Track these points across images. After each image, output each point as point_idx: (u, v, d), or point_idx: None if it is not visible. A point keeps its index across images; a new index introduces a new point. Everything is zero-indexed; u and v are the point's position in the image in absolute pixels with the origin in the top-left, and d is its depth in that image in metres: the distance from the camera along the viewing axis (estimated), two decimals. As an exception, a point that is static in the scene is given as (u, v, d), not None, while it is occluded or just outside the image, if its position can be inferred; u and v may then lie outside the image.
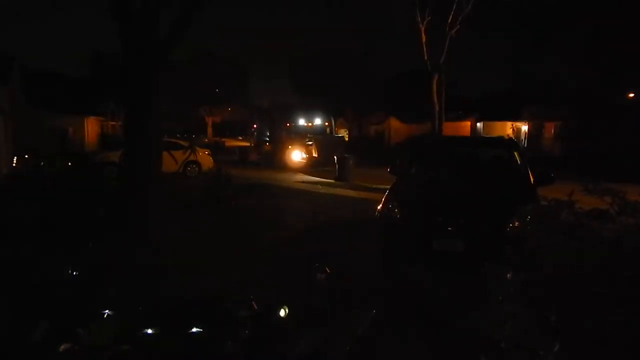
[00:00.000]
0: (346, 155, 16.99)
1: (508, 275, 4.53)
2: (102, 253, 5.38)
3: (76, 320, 2.98)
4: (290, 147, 23.77)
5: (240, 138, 60.26)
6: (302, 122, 37.64)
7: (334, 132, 38.61)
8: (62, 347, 2.55)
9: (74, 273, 3.72)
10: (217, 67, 47.83)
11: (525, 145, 29.84)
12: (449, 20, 19.96)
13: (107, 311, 3.08)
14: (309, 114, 37.73)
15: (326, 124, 39.76)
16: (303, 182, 15.69)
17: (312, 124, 40.72)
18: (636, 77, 21.44)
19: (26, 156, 15.05)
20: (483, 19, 20.57)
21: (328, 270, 4.43)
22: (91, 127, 31.99)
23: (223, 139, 52.72)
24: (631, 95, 23.19)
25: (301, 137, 28.35)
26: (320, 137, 27.35)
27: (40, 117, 25.28)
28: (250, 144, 45.36)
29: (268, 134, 29.65)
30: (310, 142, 25.50)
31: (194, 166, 16.32)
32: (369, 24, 24.55)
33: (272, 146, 27.81)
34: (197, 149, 16.53)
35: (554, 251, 4.80)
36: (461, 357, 3.36)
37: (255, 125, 58.72)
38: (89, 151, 26.01)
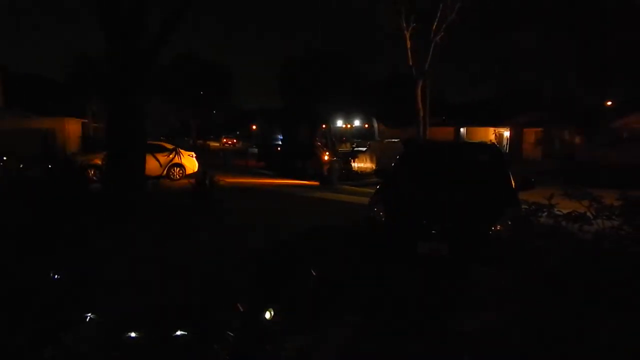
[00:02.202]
0: (333, 158, 16.87)
1: (491, 277, 4.64)
2: (85, 257, 5.30)
3: (59, 325, 2.95)
4: (327, 153, 18.98)
5: (226, 142, 58.77)
6: (339, 123, 32.15)
7: (376, 135, 34.46)
8: (45, 352, 2.52)
9: (57, 277, 3.67)
10: (202, 69, 47.56)
11: (507, 150, 30.39)
12: (434, 27, 20.27)
13: (90, 315, 3.04)
14: (346, 114, 32.82)
15: (366, 125, 36.84)
16: (287, 185, 15.66)
17: (352, 126, 36.81)
18: (615, 85, 22.07)
19: (4, 158, 14.70)
20: (467, 26, 20.94)
21: (314, 273, 4.46)
22: (73, 129, 31.38)
23: (208, 142, 52.32)
24: (609, 103, 23.85)
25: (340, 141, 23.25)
26: (378, 143, 22.89)
27: (20, 118, 24.76)
28: (223, 144, 42.25)
29: (281, 137, 24.16)
30: (360, 148, 21.35)
31: (179, 169, 16.17)
32: (355, 29, 24.36)
33: (285, 152, 22.08)
34: (182, 151, 16.37)
35: (535, 253, 4.92)
36: (446, 358, 3.41)
37: (254, 127, 56.97)
38: (70, 153, 25.53)
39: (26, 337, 2.62)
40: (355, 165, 20.10)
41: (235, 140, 59.45)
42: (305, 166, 18.97)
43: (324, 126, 20.47)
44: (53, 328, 2.73)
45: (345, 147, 21.34)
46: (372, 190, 6.88)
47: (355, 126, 35.39)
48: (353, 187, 15.21)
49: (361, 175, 18.00)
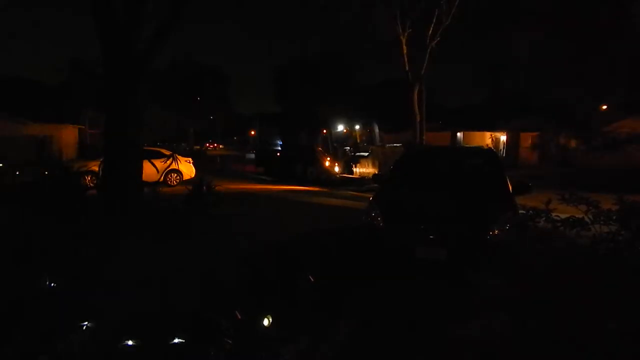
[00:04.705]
0: (334, 163, 16.92)
1: (490, 281, 4.63)
2: (81, 263, 5.27)
3: (54, 332, 2.92)
4: (329, 158, 19.20)
5: (209, 146, 61.34)
6: (340, 128, 31.58)
7: (377, 140, 33.09)
8: (40, 360, 2.49)
9: (52, 284, 3.63)
10: (199, 75, 47.63)
11: (504, 154, 30.47)
12: (430, 32, 20.36)
13: (85, 323, 3.01)
14: (347, 119, 32.19)
15: (367, 130, 36.59)
16: (287, 191, 15.65)
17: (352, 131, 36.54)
18: (610, 89, 22.22)
19: (0, 165, 14.65)
20: (463, 32, 21.04)
21: (312, 279, 4.44)
22: (69, 136, 31.36)
23: (205, 147, 52.80)
24: (604, 107, 24.01)
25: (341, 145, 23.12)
26: (380, 148, 22.92)
27: (16, 125, 24.70)
28: (205, 148, 43.02)
29: (280, 142, 23.65)
30: (363, 153, 21.50)
31: (175, 175, 16.14)
32: (352, 34, 24.23)
33: (284, 157, 21.73)
34: (179, 157, 16.35)
35: (532, 258, 4.92)
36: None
37: (253, 132, 58.02)
38: (66, 160, 25.43)
39: (20, 346, 2.58)
40: (357, 170, 20.09)
41: (216, 145, 67.48)
42: (305, 171, 18.98)
43: (324, 131, 20.37)
44: (48, 336, 2.70)
45: (347, 152, 21.25)
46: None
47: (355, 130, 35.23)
48: (354, 192, 15.21)
49: (363, 180, 18.02)
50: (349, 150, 22.11)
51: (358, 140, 23.14)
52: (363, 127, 34.48)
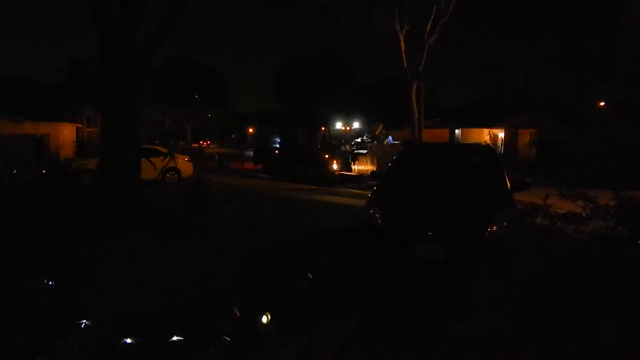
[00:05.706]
0: (333, 161, 16.94)
1: (488, 279, 4.63)
2: (81, 263, 5.27)
3: (53, 331, 2.92)
4: (328, 156, 19.02)
5: (202, 144, 61.76)
6: (339, 125, 31.49)
7: (379, 136, 34.09)
8: None
9: (51, 282, 3.63)
10: (198, 73, 47.53)
11: (502, 151, 30.52)
12: (428, 30, 20.34)
13: (84, 321, 3.01)
14: (346, 116, 32.29)
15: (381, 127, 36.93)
16: (286, 188, 15.65)
17: (351, 128, 36.54)
18: (607, 86, 22.23)
19: (-4, 164, 14.58)
20: (461, 29, 21.03)
21: (310, 277, 4.45)
22: (67, 134, 31.27)
23: (203, 145, 52.98)
24: (602, 103, 24.03)
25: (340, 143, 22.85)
26: (379, 145, 22.88)
27: (13, 124, 24.65)
28: (199, 146, 43.57)
29: (279, 140, 23.54)
30: (362, 151, 21.56)
31: (174, 173, 16.09)
32: (349, 32, 24.15)
33: (283, 155, 21.44)
34: (177, 155, 16.30)
35: (532, 256, 4.93)
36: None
37: (251, 130, 58.59)
38: (64, 159, 25.37)
39: (19, 346, 2.58)
40: (356, 167, 20.10)
41: (209, 142, 69.60)
42: (304, 169, 18.98)
43: (323, 129, 20.28)
44: (47, 336, 2.70)
45: (345, 150, 21.30)
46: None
47: (354, 128, 35.31)
48: (353, 190, 15.20)
49: (362, 177, 18.04)
50: (368, 138, 22.09)
51: (377, 133, 23.31)
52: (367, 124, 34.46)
